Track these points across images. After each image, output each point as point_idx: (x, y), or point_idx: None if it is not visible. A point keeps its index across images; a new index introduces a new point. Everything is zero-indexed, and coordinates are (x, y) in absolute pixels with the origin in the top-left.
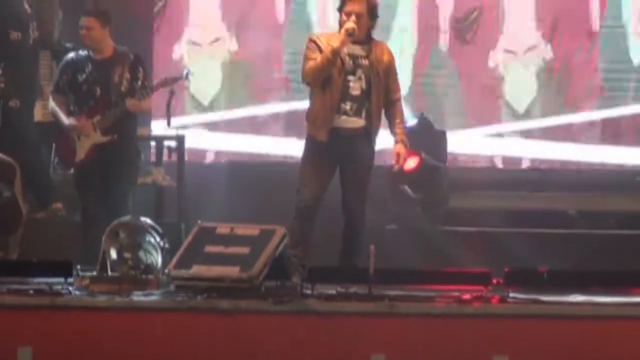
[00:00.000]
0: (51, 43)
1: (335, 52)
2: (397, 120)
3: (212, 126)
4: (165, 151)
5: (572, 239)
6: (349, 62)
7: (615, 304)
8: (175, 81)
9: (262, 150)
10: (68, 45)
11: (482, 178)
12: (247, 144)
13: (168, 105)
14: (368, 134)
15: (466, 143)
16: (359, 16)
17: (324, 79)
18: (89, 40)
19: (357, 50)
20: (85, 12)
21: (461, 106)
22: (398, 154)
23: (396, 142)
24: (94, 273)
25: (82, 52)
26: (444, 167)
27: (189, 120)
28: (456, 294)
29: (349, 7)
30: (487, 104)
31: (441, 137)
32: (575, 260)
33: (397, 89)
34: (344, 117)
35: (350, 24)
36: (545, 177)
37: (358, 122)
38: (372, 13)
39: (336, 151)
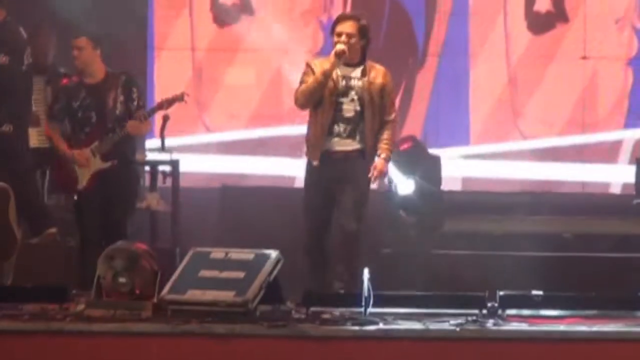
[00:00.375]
0: (46, 68)
1: (326, 74)
2: (383, 137)
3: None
4: (159, 176)
5: (567, 262)
6: (341, 83)
7: (609, 327)
8: (172, 103)
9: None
10: (61, 70)
11: (477, 201)
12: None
13: (162, 130)
14: (363, 156)
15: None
16: (349, 36)
17: (317, 102)
18: (80, 61)
19: (351, 72)
20: (76, 33)
21: None
22: (375, 167)
23: (378, 155)
24: (90, 298)
25: (75, 78)
26: (438, 191)
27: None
28: (450, 317)
29: (339, 28)
30: None
31: (436, 161)
32: (570, 283)
33: (392, 112)
34: (336, 139)
35: (339, 46)
36: (539, 200)
37: (352, 145)
38: (362, 33)
39: (329, 174)
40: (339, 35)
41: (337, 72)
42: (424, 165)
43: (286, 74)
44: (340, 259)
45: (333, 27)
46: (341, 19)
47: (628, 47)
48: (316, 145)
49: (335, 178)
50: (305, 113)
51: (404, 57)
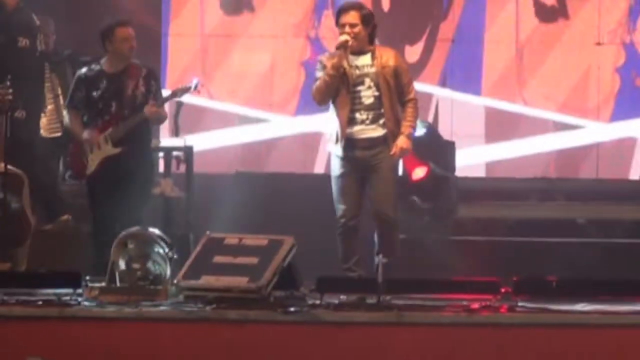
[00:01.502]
0: (49, 55)
1: (335, 67)
2: (406, 116)
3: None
4: (173, 162)
5: (581, 248)
6: (355, 73)
7: (624, 312)
8: (185, 92)
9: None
10: (69, 53)
11: (491, 187)
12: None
13: (176, 116)
14: (388, 140)
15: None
16: (352, 26)
17: (335, 95)
18: (131, 52)
19: (361, 60)
20: (124, 22)
21: None
22: (396, 145)
23: (400, 133)
24: (103, 284)
25: (95, 67)
26: (452, 177)
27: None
28: (465, 303)
29: (342, 19)
30: None
31: (450, 147)
32: (584, 269)
33: (409, 91)
34: (359, 127)
35: (342, 37)
36: (553, 186)
37: (376, 131)
38: (366, 21)
39: (357, 163)
40: (343, 26)
41: (349, 63)
42: (438, 151)
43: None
44: (381, 248)
45: (337, 18)
46: (343, 9)
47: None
48: (342, 136)
49: (364, 165)
50: None
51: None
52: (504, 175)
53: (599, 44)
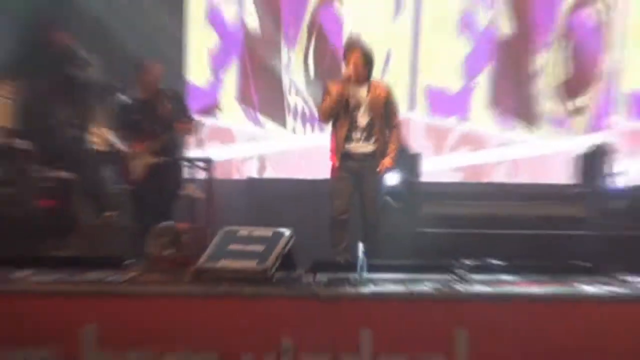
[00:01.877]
0: (97, 84)
1: (339, 94)
2: (391, 140)
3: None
4: (196, 169)
5: (518, 238)
6: (353, 101)
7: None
8: (209, 112)
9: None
10: (116, 85)
11: (450, 190)
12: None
13: (199, 132)
14: (376, 155)
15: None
16: (356, 64)
17: (336, 116)
18: (159, 83)
19: (360, 91)
20: (154, 62)
21: None
22: (382, 163)
23: (386, 155)
24: (140, 267)
25: (131, 95)
26: (418, 182)
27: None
28: (428, 281)
29: (348, 57)
30: None
31: (417, 158)
32: (520, 255)
33: (395, 118)
34: (354, 144)
35: (347, 72)
36: (500, 189)
37: (367, 147)
38: (367, 60)
39: (351, 171)
40: (349, 62)
41: (349, 93)
42: (406, 162)
43: None
44: (364, 237)
45: (344, 54)
46: (352, 48)
47: None
48: (339, 149)
49: (356, 173)
50: None
51: None
52: (459, 180)
53: None
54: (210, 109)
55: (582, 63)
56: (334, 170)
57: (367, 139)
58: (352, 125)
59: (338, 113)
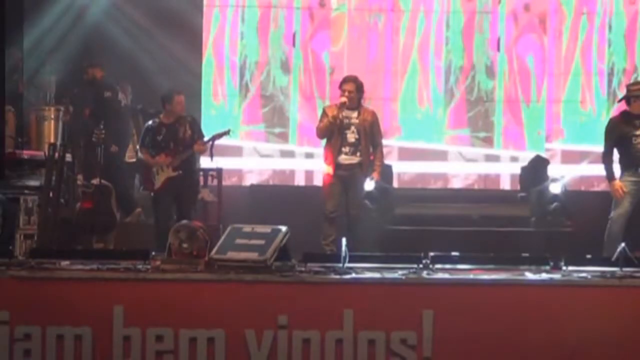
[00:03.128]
0: (128, 107)
1: (334, 118)
2: (376, 158)
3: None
4: (209, 178)
5: (473, 234)
6: (345, 122)
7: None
8: (221, 136)
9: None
10: (142, 108)
11: (418, 194)
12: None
13: (211, 148)
14: (361, 166)
15: None
16: (350, 92)
17: (330, 134)
18: (182, 111)
19: (351, 114)
20: (178, 92)
21: None
22: (373, 177)
23: (373, 170)
24: (164, 257)
25: (156, 120)
26: (391, 188)
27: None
28: (399, 269)
29: (343, 87)
30: None
31: (389, 168)
32: (477, 248)
33: (379, 138)
34: (344, 156)
35: (342, 99)
36: (458, 193)
37: (354, 159)
38: (359, 89)
39: (341, 178)
40: (344, 91)
41: (342, 116)
42: (382, 171)
43: None
44: (347, 233)
45: (340, 85)
46: (346, 80)
47: None
48: (331, 161)
49: (345, 180)
50: None
51: None
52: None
53: None
54: (222, 133)
55: None
56: (327, 177)
57: (354, 153)
58: (343, 142)
59: (332, 133)
